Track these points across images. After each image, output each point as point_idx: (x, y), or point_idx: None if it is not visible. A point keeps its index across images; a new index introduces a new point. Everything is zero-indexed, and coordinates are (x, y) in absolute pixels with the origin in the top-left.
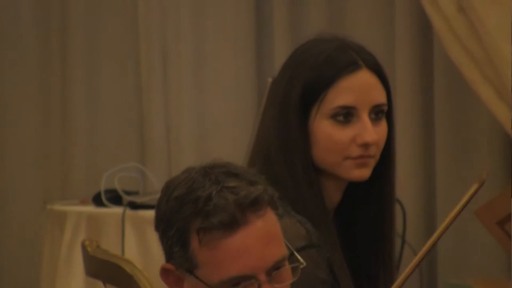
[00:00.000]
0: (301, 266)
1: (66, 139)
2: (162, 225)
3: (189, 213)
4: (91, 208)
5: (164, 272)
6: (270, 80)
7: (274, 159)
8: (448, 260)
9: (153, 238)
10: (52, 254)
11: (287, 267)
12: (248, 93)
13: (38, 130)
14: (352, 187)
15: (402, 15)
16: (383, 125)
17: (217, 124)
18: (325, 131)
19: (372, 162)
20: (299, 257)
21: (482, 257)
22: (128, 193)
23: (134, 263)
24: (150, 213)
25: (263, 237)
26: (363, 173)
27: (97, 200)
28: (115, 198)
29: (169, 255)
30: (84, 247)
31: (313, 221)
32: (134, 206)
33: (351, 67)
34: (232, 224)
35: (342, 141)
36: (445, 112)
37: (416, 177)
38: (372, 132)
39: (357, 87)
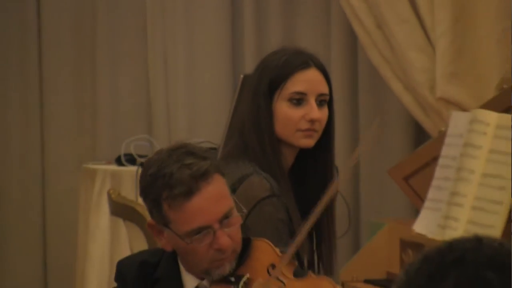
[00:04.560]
0: (242, 213)
1: (95, 117)
2: (143, 195)
3: (159, 187)
4: (114, 167)
5: (150, 226)
6: (242, 76)
7: (247, 132)
8: (370, 204)
9: None
10: (86, 200)
11: (235, 215)
12: (225, 85)
13: (74, 112)
14: (302, 156)
15: (336, 30)
16: (325, 110)
17: (203, 107)
18: (284, 110)
19: (316, 135)
20: (240, 205)
21: (395, 202)
22: (140, 156)
23: (144, 206)
24: None
25: (213, 198)
26: (309, 142)
27: (118, 161)
28: (131, 159)
29: (151, 214)
30: (109, 195)
31: (275, 177)
32: None
33: (304, 65)
34: (188, 193)
35: (295, 117)
36: (367, 102)
37: (346, 150)
38: (317, 111)
39: (307, 80)
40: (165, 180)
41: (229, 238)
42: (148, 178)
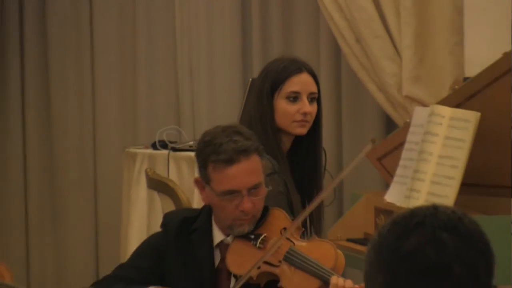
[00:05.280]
0: (269, 188)
1: (136, 111)
2: (196, 155)
3: (209, 151)
4: (150, 151)
5: (196, 181)
6: (250, 80)
7: (254, 124)
8: (351, 179)
9: (185, 168)
10: (129, 177)
11: (262, 188)
12: (237, 87)
13: (119, 107)
14: (297, 142)
15: (324, 43)
16: (314, 106)
17: (220, 104)
18: (282, 106)
19: (308, 125)
20: (267, 182)
21: (371, 178)
22: (171, 142)
23: (174, 182)
24: (185, 154)
25: (247, 170)
26: (302, 130)
27: (153, 146)
28: (163, 145)
29: (199, 172)
30: (146, 173)
31: (276, 158)
32: (174, 149)
33: (297, 70)
34: (230, 161)
35: (291, 111)
36: (348, 100)
37: (331, 137)
38: (308, 107)
39: (301, 82)
40: (215, 148)
41: (252, 204)
42: (203, 144)
